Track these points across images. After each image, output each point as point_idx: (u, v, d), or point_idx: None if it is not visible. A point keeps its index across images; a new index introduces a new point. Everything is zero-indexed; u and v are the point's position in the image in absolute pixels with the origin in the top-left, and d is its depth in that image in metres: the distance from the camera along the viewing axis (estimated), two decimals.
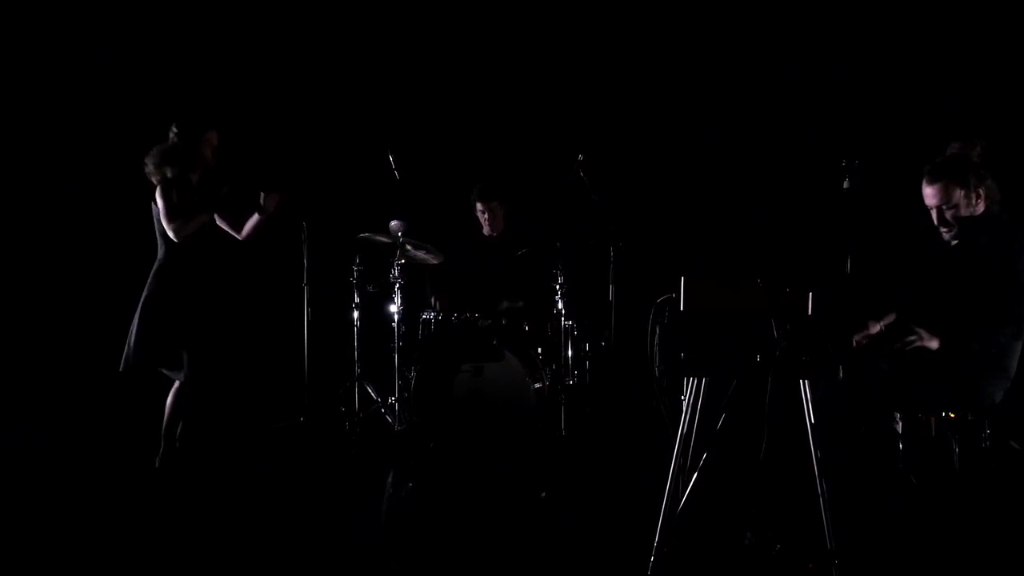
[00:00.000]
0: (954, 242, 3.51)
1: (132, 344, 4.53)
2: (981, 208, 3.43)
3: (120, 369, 4.57)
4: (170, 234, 4.46)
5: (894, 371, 3.45)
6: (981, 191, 3.41)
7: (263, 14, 6.14)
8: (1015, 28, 5.33)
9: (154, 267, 4.58)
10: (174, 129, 4.64)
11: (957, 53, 5.44)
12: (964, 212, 3.43)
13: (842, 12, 5.68)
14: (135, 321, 4.54)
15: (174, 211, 4.47)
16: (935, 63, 5.49)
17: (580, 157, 5.28)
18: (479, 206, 5.79)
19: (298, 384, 5.53)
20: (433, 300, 5.71)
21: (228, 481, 4.59)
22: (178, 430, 4.62)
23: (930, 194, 3.47)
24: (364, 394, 5.61)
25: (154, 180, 4.50)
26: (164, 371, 4.60)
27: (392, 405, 5.46)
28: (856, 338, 3.50)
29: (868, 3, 5.67)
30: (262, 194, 4.63)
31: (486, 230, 5.82)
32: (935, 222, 3.49)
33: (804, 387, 3.03)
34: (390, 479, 4.61)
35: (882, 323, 3.53)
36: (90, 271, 6.01)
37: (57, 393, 5.87)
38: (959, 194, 3.41)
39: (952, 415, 3.36)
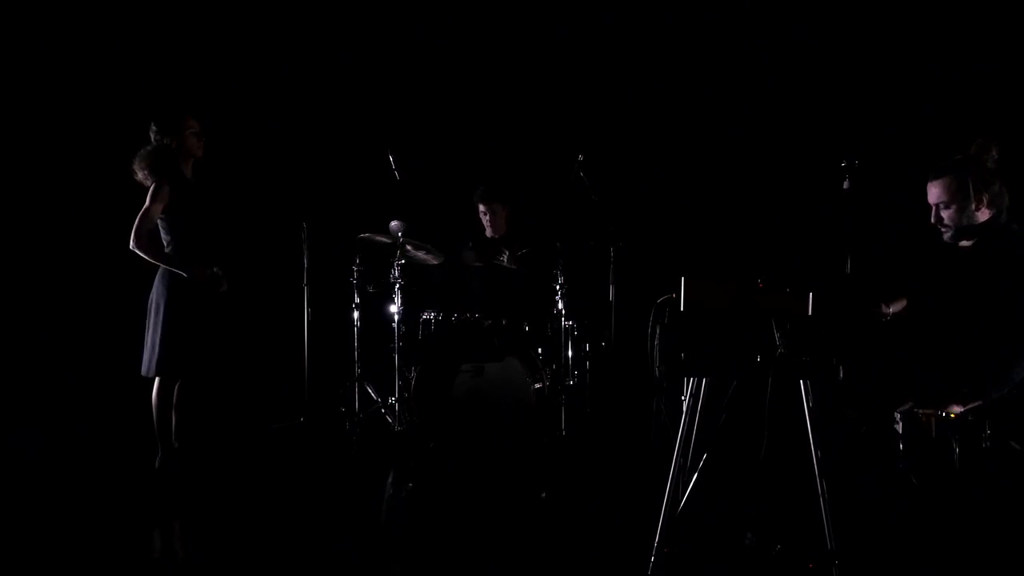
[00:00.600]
0: (964, 243, 3.49)
1: (158, 350, 4.52)
2: (985, 214, 3.40)
3: (144, 373, 4.56)
4: (131, 235, 4.45)
5: (894, 370, 3.45)
6: (984, 196, 3.38)
7: (264, 14, 6.14)
8: (1017, 27, 5.33)
9: (160, 268, 4.57)
10: (153, 128, 4.58)
11: (958, 52, 5.43)
12: (961, 215, 3.42)
13: (842, 12, 5.68)
14: (159, 327, 4.52)
15: (147, 221, 4.47)
16: (936, 62, 5.49)
17: (580, 157, 5.28)
18: (481, 207, 5.79)
19: (298, 384, 5.53)
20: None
21: (228, 482, 4.60)
22: (172, 429, 4.60)
23: (930, 192, 3.47)
24: (364, 394, 5.61)
25: (147, 184, 4.48)
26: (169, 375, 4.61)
27: (392, 405, 5.46)
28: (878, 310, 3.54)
29: (868, 3, 5.66)
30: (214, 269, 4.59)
31: (488, 232, 5.83)
32: (932, 220, 3.49)
33: (804, 387, 3.02)
34: (390, 479, 4.61)
35: (892, 308, 3.54)
36: (89, 271, 6.01)
37: (57, 394, 5.87)
38: (957, 195, 3.40)
39: (952, 415, 3.36)
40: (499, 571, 3.41)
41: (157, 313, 4.50)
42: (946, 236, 3.49)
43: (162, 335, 4.47)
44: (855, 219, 4.02)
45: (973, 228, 3.42)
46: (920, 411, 3.36)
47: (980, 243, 3.44)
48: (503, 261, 5.60)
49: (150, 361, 4.51)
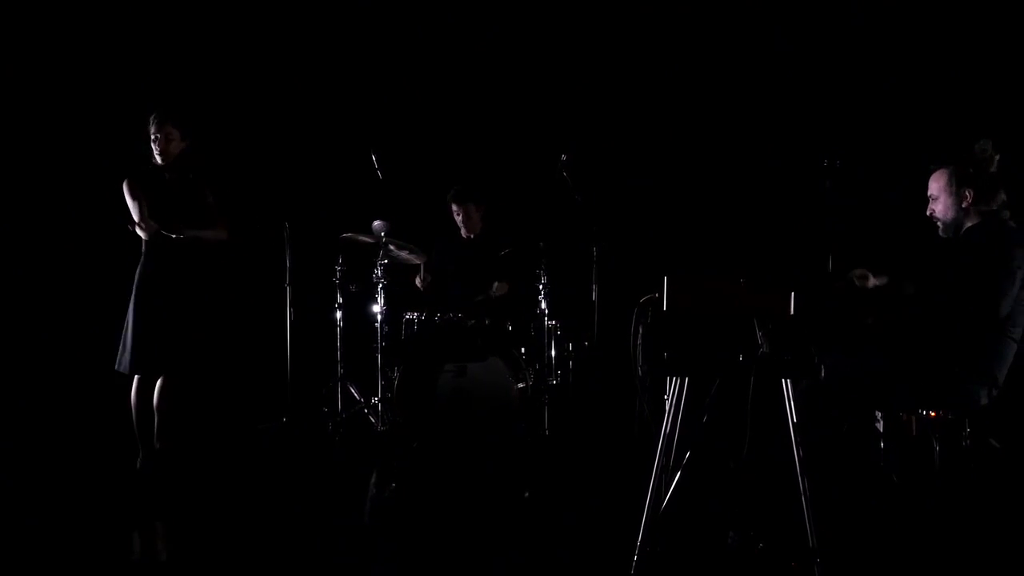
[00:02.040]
0: (948, 239, 3.53)
1: (128, 347, 4.52)
2: (971, 211, 3.43)
3: (118, 368, 4.56)
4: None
5: (877, 371, 3.46)
6: (967, 192, 3.40)
7: (246, 14, 6.12)
8: (1002, 27, 5.36)
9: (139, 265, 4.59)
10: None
11: (942, 52, 5.47)
12: (947, 209, 3.45)
13: (825, 13, 5.70)
14: (129, 322, 4.54)
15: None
16: (920, 62, 5.52)
17: (563, 157, 5.28)
18: (454, 208, 5.82)
19: (281, 385, 5.51)
20: (419, 281, 5.75)
21: (210, 483, 4.57)
22: (153, 430, 4.59)
23: (929, 184, 3.53)
24: (347, 394, 5.60)
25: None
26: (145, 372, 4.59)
27: (375, 405, 5.44)
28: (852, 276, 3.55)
29: (852, 4, 5.69)
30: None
31: (463, 232, 5.85)
32: (927, 212, 3.53)
33: (786, 386, 3.04)
34: (373, 479, 4.61)
35: (875, 281, 3.55)
36: (69, 265, 5.97)
37: (37, 392, 5.83)
38: (945, 190, 3.44)
39: (933, 414, 3.38)
40: (482, 570, 3.40)
41: (130, 309, 4.52)
42: (940, 231, 3.52)
43: (132, 331, 4.49)
44: (836, 218, 4.05)
45: (959, 224, 3.45)
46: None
47: (959, 240, 3.47)
48: (496, 292, 5.60)
49: (120, 357, 4.53)
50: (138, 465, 4.58)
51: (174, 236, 4.49)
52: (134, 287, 4.55)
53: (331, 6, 6.19)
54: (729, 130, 5.94)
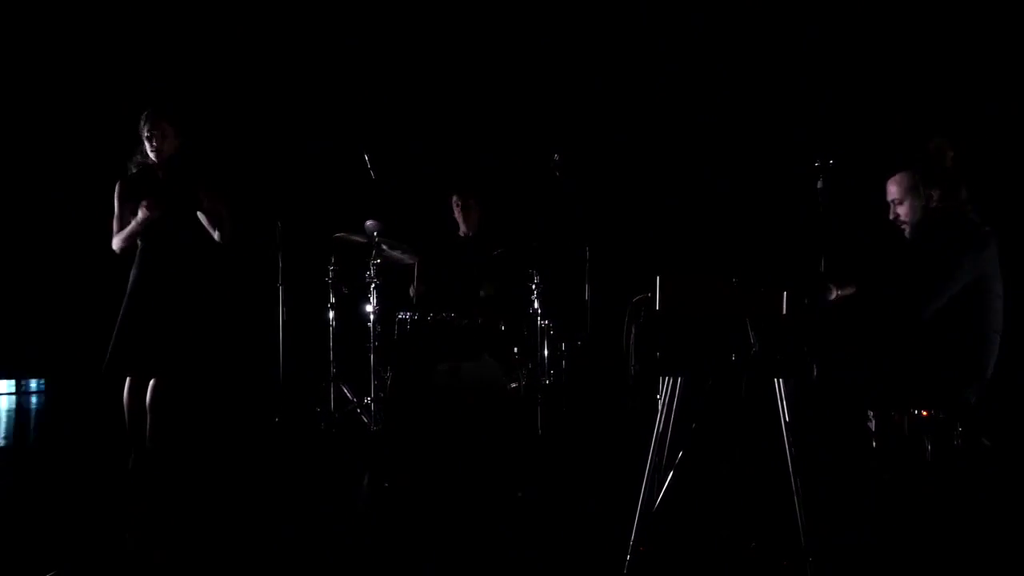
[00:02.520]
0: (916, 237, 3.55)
1: (112, 347, 4.53)
2: (938, 210, 3.45)
3: (103, 371, 4.56)
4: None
5: (868, 370, 3.47)
6: (934, 193, 3.43)
7: (240, 14, 6.11)
8: (989, 28, 5.38)
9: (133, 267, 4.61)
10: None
11: (930, 52, 5.48)
12: (913, 211, 3.48)
13: (816, 13, 5.71)
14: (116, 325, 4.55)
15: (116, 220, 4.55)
16: (909, 62, 5.53)
17: (556, 157, 5.29)
18: (456, 199, 5.80)
19: (273, 384, 5.51)
20: (412, 290, 5.75)
21: (203, 483, 4.57)
22: (146, 430, 4.58)
23: (887, 189, 3.56)
24: (340, 394, 5.59)
25: None
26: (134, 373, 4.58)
27: (368, 405, 5.44)
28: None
29: (841, 5, 5.70)
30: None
31: (462, 228, 5.83)
32: (890, 216, 3.56)
33: (778, 386, 3.04)
34: (366, 479, 4.60)
35: (840, 292, 3.57)
36: (68, 269, 5.96)
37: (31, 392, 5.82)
38: (908, 192, 3.47)
39: (924, 413, 3.39)
40: (476, 570, 3.40)
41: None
42: (905, 232, 3.55)
43: (116, 332, 4.50)
44: (829, 217, 4.05)
45: (926, 224, 3.47)
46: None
47: (918, 237, 3.50)
48: (484, 292, 5.61)
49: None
50: (130, 465, 4.57)
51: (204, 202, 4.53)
52: (127, 288, 4.55)
53: (325, 6, 6.18)
54: (722, 129, 5.95)
